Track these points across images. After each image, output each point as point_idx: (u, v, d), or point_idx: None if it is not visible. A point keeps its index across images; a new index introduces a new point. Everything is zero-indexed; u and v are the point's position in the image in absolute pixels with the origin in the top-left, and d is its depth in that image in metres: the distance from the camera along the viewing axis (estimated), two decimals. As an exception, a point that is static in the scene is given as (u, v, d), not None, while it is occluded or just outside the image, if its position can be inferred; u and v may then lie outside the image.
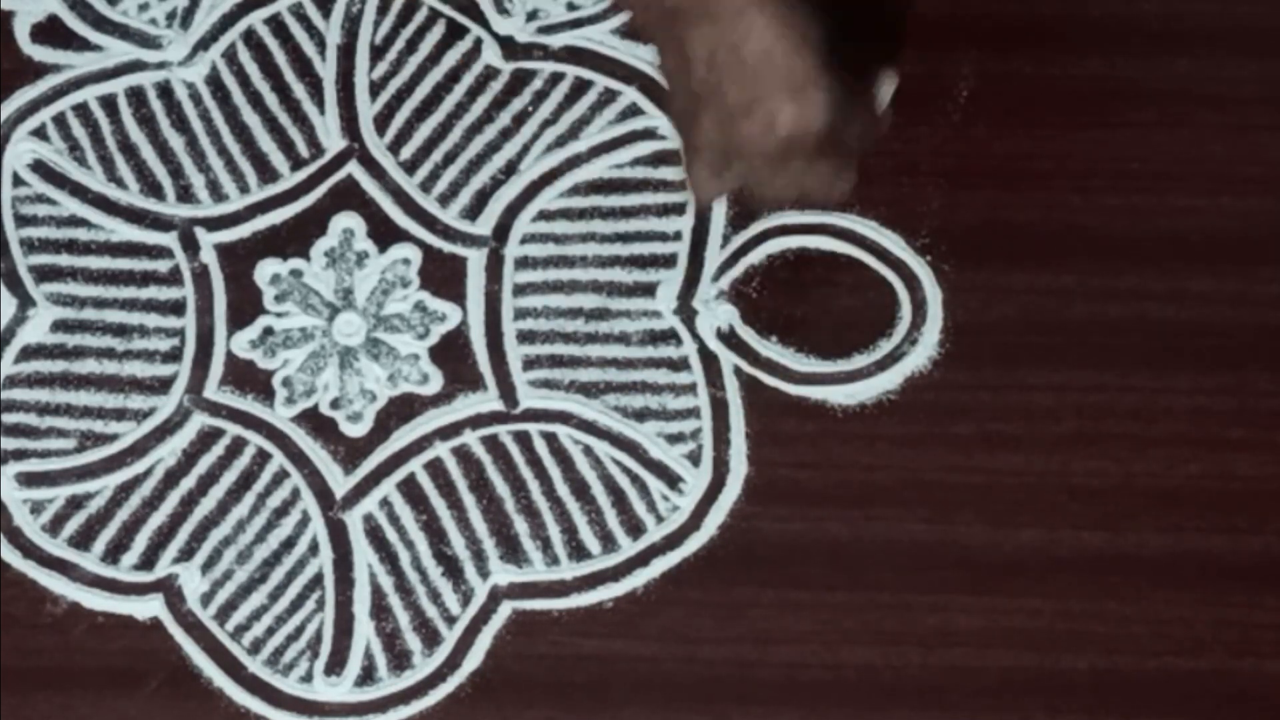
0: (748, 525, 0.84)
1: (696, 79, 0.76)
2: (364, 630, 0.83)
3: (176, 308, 0.87)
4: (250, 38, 0.91)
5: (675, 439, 0.85)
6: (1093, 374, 0.85)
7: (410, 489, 0.85)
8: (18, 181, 0.89)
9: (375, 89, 0.90)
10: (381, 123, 0.89)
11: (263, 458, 0.85)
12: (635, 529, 0.84)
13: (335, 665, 0.82)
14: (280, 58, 0.90)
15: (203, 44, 0.90)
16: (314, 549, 0.84)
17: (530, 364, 0.86)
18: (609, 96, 0.90)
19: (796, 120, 0.76)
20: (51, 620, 0.83)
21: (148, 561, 0.84)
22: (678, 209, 0.88)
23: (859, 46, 0.80)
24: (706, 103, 0.77)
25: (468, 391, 0.86)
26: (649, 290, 0.87)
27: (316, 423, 0.86)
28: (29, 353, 0.86)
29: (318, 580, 0.84)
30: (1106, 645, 0.82)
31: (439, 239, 0.88)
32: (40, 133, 0.89)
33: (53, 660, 0.82)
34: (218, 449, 0.85)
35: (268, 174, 0.89)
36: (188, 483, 0.85)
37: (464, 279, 0.87)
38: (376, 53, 0.90)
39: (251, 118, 0.90)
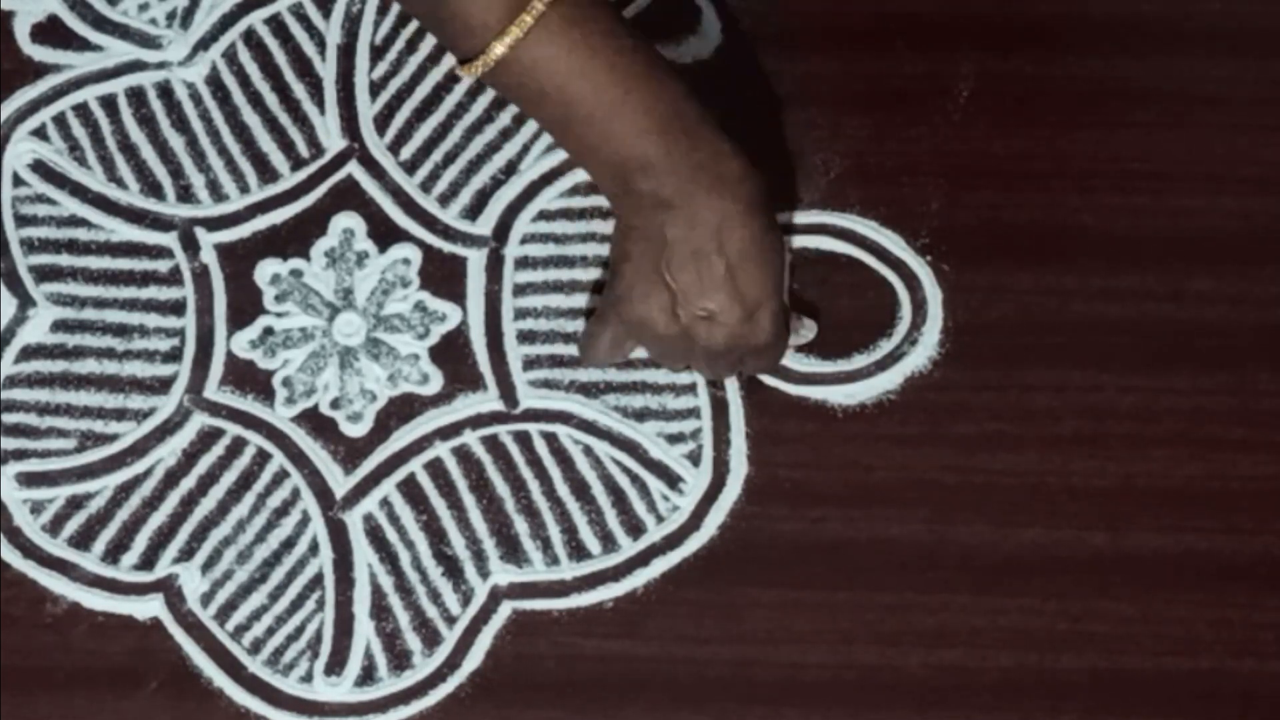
0: (748, 525, 0.84)
1: (660, 267, 0.78)
2: (364, 630, 0.83)
3: (176, 308, 0.87)
4: (250, 38, 0.91)
5: (675, 439, 0.85)
6: (1093, 374, 0.85)
7: (410, 489, 0.85)
8: (18, 181, 0.89)
9: (375, 89, 0.90)
10: (381, 123, 0.89)
11: (263, 458, 0.85)
12: (635, 529, 0.84)
13: (335, 665, 0.82)
14: (280, 58, 0.90)
15: (203, 44, 0.90)
16: (314, 549, 0.84)
17: (530, 364, 0.86)
18: (609, 96, 0.90)
19: (740, 335, 0.79)
20: (51, 620, 0.83)
21: (148, 561, 0.84)
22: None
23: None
24: (659, 290, 0.79)
25: (468, 391, 0.86)
26: (649, 290, 0.87)
27: (316, 423, 0.86)
28: (29, 353, 0.86)
29: (318, 580, 0.84)
30: (1106, 645, 0.82)
31: (439, 239, 0.88)
32: (40, 133, 0.89)
33: (53, 660, 0.82)
34: (218, 449, 0.85)
35: (268, 174, 0.89)
36: (188, 483, 0.85)
37: (464, 279, 0.87)
38: (376, 53, 0.90)
39: (251, 118, 0.90)
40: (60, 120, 0.89)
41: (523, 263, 0.88)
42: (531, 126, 0.89)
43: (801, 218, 0.87)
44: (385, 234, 0.88)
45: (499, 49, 0.76)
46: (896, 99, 0.89)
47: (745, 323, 0.79)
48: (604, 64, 0.76)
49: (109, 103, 0.90)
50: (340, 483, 0.85)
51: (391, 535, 0.84)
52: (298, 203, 0.88)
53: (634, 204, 0.79)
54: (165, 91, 0.90)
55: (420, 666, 0.82)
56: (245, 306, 0.87)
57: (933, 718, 0.81)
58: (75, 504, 0.85)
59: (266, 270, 0.88)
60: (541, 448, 0.85)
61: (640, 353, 0.84)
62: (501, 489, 0.85)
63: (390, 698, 0.82)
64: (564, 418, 0.85)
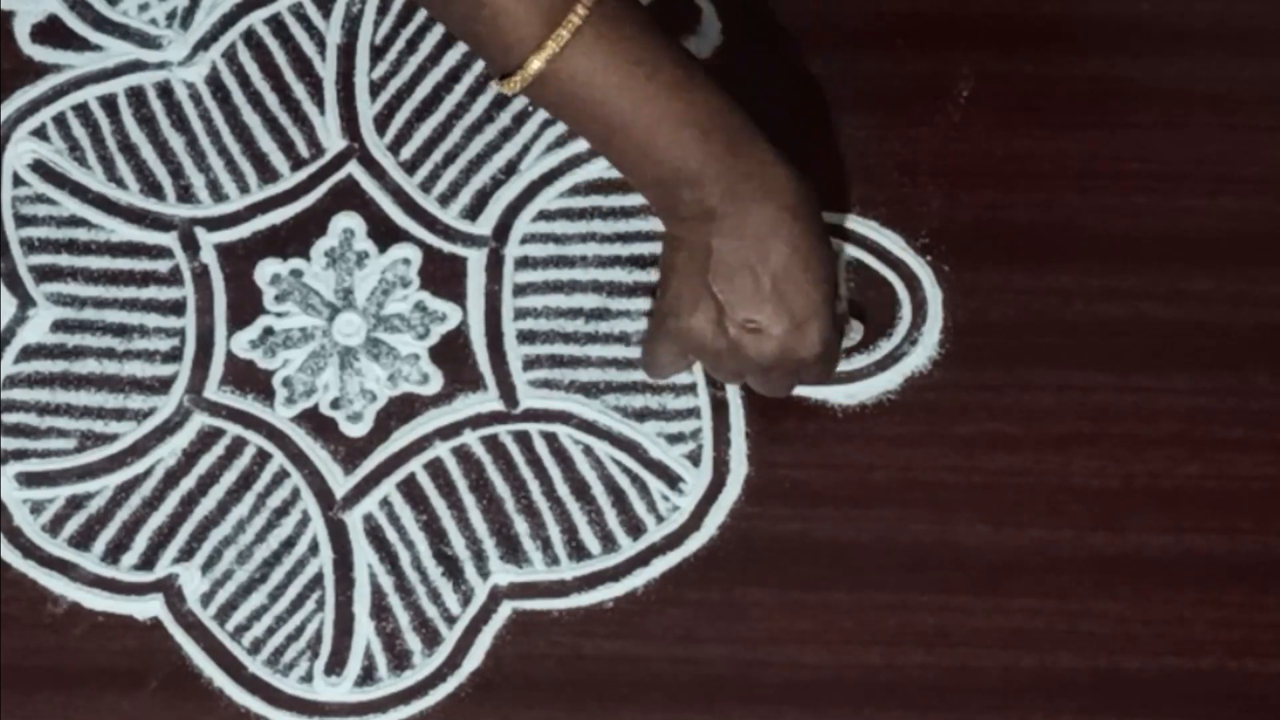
0: (748, 525, 0.84)
1: (706, 278, 0.78)
2: (364, 630, 0.83)
3: (176, 308, 0.87)
4: (250, 38, 0.91)
5: (675, 439, 0.85)
6: (1093, 374, 0.85)
7: (410, 489, 0.85)
8: (18, 181, 0.89)
9: (375, 89, 0.90)
10: (381, 123, 0.89)
11: (263, 458, 0.85)
12: (635, 529, 0.84)
13: (335, 665, 0.82)
14: (280, 58, 0.90)
15: (203, 44, 0.90)
16: (314, 549, 0.84)
17: (530, 364, 0.86)
18: (609, 96, 0.90)
19: (790, 347, 0.79)
20: (51, 620, 0.83)
21: (148, 561, 0.84)
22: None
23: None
24: (706, 302, 0.79)
25: (468, 391, 0.86)
26: (649, 290, 0.87)
27: (316, 423, 0.86)
28: (29, 353, 0.86)
29: (318, 580, 0.84)
30: (1106, 645, 0.82)
31: (439, 239, 0.88)
32: (40, 133, 0.89)
33: (53, 660, 0.82)
34: (218, 449, 0.85)
35: (268, 174, 0.89)
36: (188, 483, 0.85)
37: (464, 279, 0.87)
38: (376, 53, 0.90)
39: (251, 118, 0.90)
40: (60, 120, 0.89)
41: (523, 263, 0.88)
42: (532, 126, 0.89)
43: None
44: (385, 234, 0.88)
45: (536, 64, 0.75)
46: (896, 99, 0.89)
47: (794, 334, 0.78)
48: (643, 76, 0.76)
49: (109, 103, 0.90)
50: (340, 483, 0.85)
51: (391, 535, 0.84)
52: (298, 203, 0.88)
53: (680, 215, 0.78)
54: (165, 91, 0.90)
55: (420, 666, 0.82)
56: (245, 306, 0.87)
57: (933, 718, 0.81)
58: (75, 504, 0.85)
59: (266, 270, 0.88)
60: (541, 448, 0.85)
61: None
62: (501, 489, 0.85)
63: (390, 698, 0.82)
64: (564, 418, 0.85)
